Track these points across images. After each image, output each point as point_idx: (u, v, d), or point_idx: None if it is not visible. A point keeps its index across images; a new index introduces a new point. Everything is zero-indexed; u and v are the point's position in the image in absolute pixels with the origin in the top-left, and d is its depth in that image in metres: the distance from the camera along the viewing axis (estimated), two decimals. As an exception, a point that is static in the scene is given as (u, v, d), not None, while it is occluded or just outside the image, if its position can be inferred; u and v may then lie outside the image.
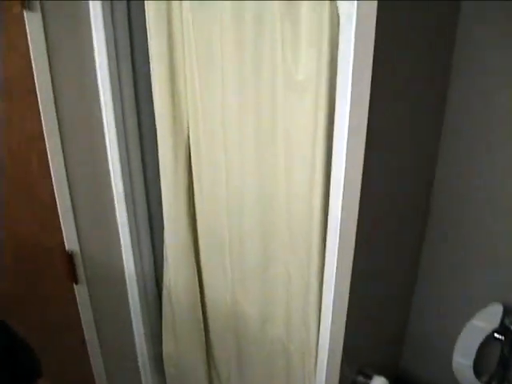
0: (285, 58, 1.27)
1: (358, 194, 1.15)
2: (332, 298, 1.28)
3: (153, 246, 1.92)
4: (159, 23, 1.43)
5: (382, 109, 1.19)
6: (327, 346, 1.32)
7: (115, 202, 1.70)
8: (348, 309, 1.28)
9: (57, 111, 1.42)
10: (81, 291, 1.67)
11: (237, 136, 1.47)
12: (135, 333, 1.95)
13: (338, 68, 1.12)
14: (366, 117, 1.09)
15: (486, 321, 1.45)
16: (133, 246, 1.77)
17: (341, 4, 1.06)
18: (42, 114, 1.40)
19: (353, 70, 1.07)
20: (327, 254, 1.29)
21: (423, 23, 1.23)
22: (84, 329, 1.67)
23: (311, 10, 1.17)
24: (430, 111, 1.48)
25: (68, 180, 1.52)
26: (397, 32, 1.14)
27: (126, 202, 1.70)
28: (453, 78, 1.43)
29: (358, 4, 1.02)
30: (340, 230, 1.21)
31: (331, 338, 1.31)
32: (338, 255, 1.24)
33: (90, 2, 1.42)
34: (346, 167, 1.14)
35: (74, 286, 1.66)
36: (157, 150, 1.61)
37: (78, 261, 1.63)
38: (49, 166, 1.46)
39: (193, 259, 1.79)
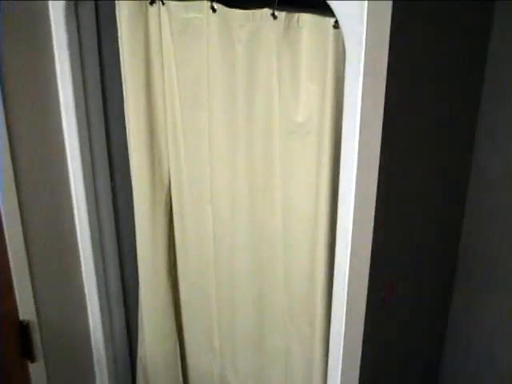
0: (282, 95, 1.26)
1: (369, 258, 1.13)
2: (339, 374, 1.26)
3: (126, 312, 1.82)
4: (135, 58, 1.42)
5: (397, 155, 1.17)
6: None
7: (81, 259, 1.65)
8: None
9: (13, 159, 1.38)
10: (37, 370, 1.59)
11: (226, 188, 1.46)
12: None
13: (345, 108, 1.11)
14: (376, 165, 1.08)
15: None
16: (102, 313, 1.71)
17: (347, 32, 1.05)
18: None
19: (362, 111, 1.07)
20: (333, 324, 1.27)
21: (448, 45, 1.22)
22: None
23: (313, 38, 1.16)
24: (457, 151, 1.47)
25: (24, 234, 1.44)
26: (415, 58, 1.12)
27: (95, 259, 1.64)
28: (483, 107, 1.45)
29: (367, 30, 1.00)
30: (347, 297, 1.20)
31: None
32: (346, 325, 1.23)
33: (54, 37, 1.40)
34: (353, 228, 1.13)
35: (29, 364, 1.58)
36: (131, 195, 1.60)
37: (35, 333, 1.53)
38: (1, 220, 1.39)
39: (174, 329, 1.73)
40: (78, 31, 1.45)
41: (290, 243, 1.39)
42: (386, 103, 1.04)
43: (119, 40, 1.42)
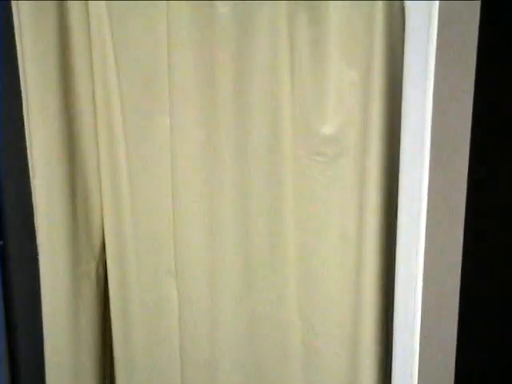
0: (298, 90, 1.29)
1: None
2: None
3: None
4: (42, 39, 1.45)
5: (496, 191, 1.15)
6: None
7: None
8: None
9: None
10: None
11: (202, 250, 1.46)
12: None
13: (403, 114, 1.13)
14: (462, 213, 1.09)
15: None
16: None
17: None
18: None
19: (434, 113, 1.09)
20: None
21: None
22: None
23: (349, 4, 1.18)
24: None
25: None
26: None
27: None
28: None
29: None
30: None
31: None
32: None
33: None
34: (423, 323, 1.15)
35: None
36: (35, 261, 1.57)
37: None
38: None
39: None
40: None
41: (313, 349, 1.40)
42: (477, 102, 1.05)
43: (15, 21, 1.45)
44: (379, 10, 1.15)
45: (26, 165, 1.53)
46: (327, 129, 1.25)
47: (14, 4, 1.43)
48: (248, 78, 1.31)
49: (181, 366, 1.55)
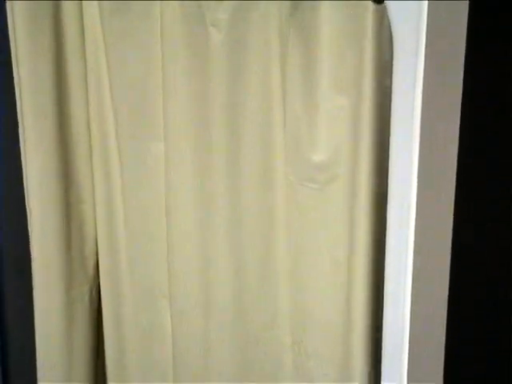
0: (289, 117, 1.29)
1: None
2: None
3: None
4: (37, 65, 1.40)
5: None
6: None
7: None
8: None
9: None
10: None
11: (194, 275, 1.45)
12: None
13: (392, 140, 1.13)
14: (449, 235, 1.08)
15: None
16: None
17: (397, 6, 1.10)
18: None
19: (422, 141, 1.09)
20: None
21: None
22: None
23: (340, 19, 1.19)
24: None
25: None
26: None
27: None
28: None
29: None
30: None
31: None
32: None
33: None
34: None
35: None
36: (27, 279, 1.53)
37: None
38: None
39: None
40: None
41: (304, 371, 1.39)
42: (463, 125, 1.06)
43: (12, 46, 1.40)
44: (369, 37, 1.16)
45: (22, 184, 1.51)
46: (318, 156, 1.26)
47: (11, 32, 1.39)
48: (241, 105, 1.31)
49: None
